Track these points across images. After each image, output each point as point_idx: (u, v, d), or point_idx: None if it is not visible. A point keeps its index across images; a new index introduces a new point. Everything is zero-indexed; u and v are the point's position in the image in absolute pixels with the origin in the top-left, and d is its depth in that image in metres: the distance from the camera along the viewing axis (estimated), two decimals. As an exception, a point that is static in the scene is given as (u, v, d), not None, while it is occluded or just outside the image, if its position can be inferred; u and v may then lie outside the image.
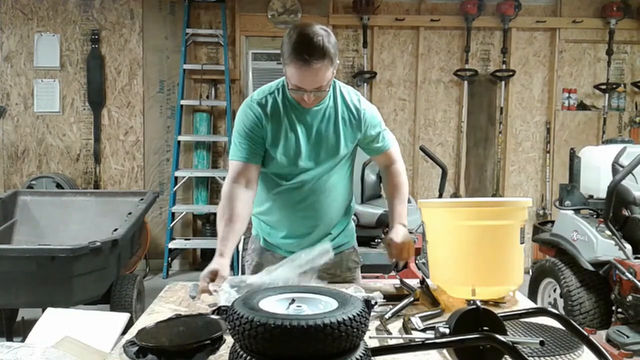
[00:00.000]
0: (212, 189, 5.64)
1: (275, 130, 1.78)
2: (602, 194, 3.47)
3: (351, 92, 1.88)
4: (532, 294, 3.85)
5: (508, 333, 1.23)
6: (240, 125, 1.79)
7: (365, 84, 5.53)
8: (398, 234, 1.83)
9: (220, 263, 1.63)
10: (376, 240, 3.86)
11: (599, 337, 3.07)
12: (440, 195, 4.14)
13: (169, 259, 5.34)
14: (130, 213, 3.88)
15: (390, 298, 1.64)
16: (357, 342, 1.04)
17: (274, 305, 1.13)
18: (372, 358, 1.08)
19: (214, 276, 1.60)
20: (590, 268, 3.34)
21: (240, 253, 2.07)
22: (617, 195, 3.26)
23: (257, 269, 1.89)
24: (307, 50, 1.58)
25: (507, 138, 5.68)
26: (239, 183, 1.76)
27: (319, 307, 1.13)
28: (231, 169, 1.79)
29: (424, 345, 1.14)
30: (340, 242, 1.95)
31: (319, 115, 1.80)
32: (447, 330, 1.17)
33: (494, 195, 5.66)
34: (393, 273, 3.68)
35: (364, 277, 2.11)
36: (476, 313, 1.18)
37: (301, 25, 1.67)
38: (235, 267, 5.22)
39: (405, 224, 1.89)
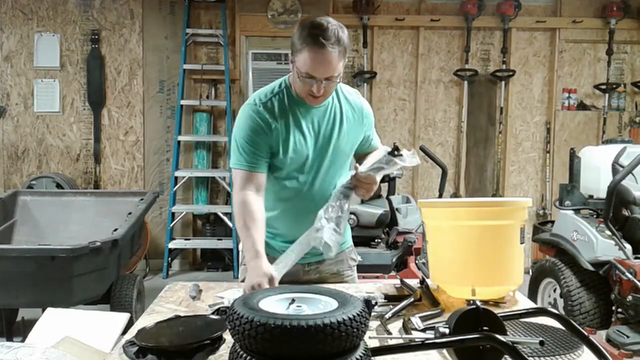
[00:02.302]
0: (212, 189, 5.64)
1: (285, 131, 1.74)
2: (602, 194, 3.47)
3: (349, 89, 1.89)
4: (532, 294, 3.85)
5: (508, 333, 1.23)
6: (244, 131, 1.73)
7: (365, 84, 5.53)
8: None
9: (268, 268, 1.60)
10: (376, 240, 3.86)
11: (599, 337, 3.07)
12: (440, 195, 4.14)
13: (169, 259, 5.34)
14: (130, 213, 3.87)
15: (391, 298, 1.64)
16: (357, 342, 1.04)
17: (274, 305, 1.13)
18: (372, 358, 1.08)
19: (271, 282, 1.56)
20: (590, 268, 3.34)
21: (241, 253, 2.05)
22: (617, 195, 3.26)
23: None
24: (323, 35, 1.59)
25: (507, 138, 5.67)
26: (248, 190, 1.71)
27: (319, 307, 1.13)
28: (237, 177, 1.74)
29: (424, 345, 1.14)
30: (340, 242, 1.94)
31: (325, 116, 1.79)
32: (447, 330, 1.17)
33: (494, 195, 5.66)
34: (393, 273, 3.69)
35: (364, 277, 2.11)
36: (476, 313, 1.18)
37: (314, 17, 1.67)
38: (235, 268, 5.22)
39: None
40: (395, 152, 1.61)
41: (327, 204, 1.65)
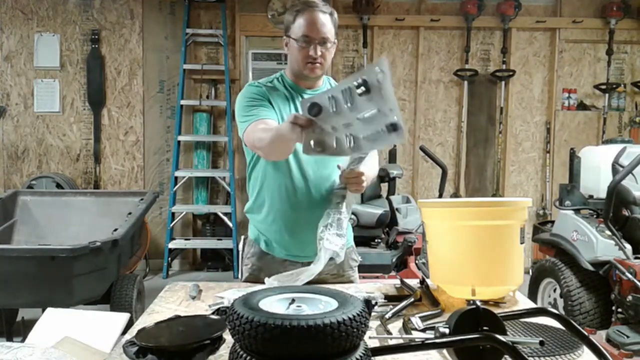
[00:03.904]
0: (212, 189, 5.64)
1: (279, 111, 1.79)
2: (602, 194, 3.48)
3: None
4: (532, 294, 3.85)
5: (508, 333, 1.23)
6: (246, 99, 1.78)
7: (365, 84, 5.52)
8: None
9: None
10: (376, 240, 3.86)
11: (599, 337, 3.07)
12: (440, 195, 4.14)
13: (169, 259, 5.34)
14: (130, 213, 3.87)
15: (391, 298, 1.64)
16: (357, 342, 1.04)
17: (274, 305, 1.13)
18: (372, 358, 1.08)
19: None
20: (590, 268, 3.34)
21: (241, 253, 2.05)
22: (617, 195, 3.26)
23: (257, 273, 1.89)
24: (313, 2, 1.76)
25: (507, 138, 5.67)
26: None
27: (319, 307, 1.13)
28: (248, 131, 1.72)
29: (424, 345, 1.14)
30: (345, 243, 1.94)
31: None
32: (447, 330, 1.17)
33: (494, 195, 5.66)
34: (393, 273, 3.69)
35: (364, 277, 2.11)
36: (476, 313, 1.18)
37: None
38: (235, 268, 5.22)
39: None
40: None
41: (325, 212, 1.69)
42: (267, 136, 1.62)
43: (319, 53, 1.75)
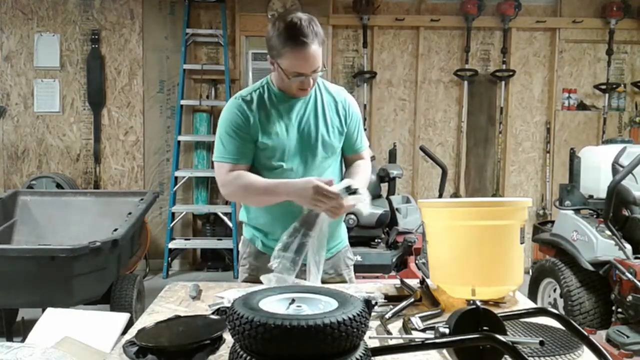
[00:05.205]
0: (212, 189, 5.63)
1: (265, 122, 1.77)
2: (602, 194, 3.48)
3: (335, 86, 1.93)
4: (532, 294, 3.85)
5: (508, 333, 1.23)
6: (227, 125, 1.77)
7: (365, 84, 5.53)
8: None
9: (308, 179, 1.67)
10: (376, 240, 3.86)
11: (599, 337, 3.07)
12: (440, 195, 4.14)
13: (169, 259, 5.34)
14: (130, 213, 3.88)
15: (391, 298, 1.64)
16: (357, 342, 1.04)
17: (274, 305, 1.13)
18: (372, 358, 1.08)
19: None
20: (590, 268, 3.34)
21: (240, 254, 2.04)
22: (617, 195, 3.26)
23: (255, 272, 1.88)
24: (302, 33, 1.63)
25: (507, 138, 5.68)
26: (233, 173, 1.76)
27: (319, 307, 1.13)
28: (221, 170, 1.78)
29: (424, 345, 1.14)
30: (335, 242, 1.94)
31: (306, 107, 1.82)
32: (447, 330, 1.17)
33: (494, 195, 5.66)
34: (393, 273, 3.68)
35: (364, 277, 2.10)
36: (476, 313, 1.18)
37: (283, 15, 1.70)
38: (235, 268, 5.22)
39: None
40: (348, 191, 1.64)
41: (293, 224, 1.64)
42: (246, 191, 1.75)
43: (311, 83, 1.72)
